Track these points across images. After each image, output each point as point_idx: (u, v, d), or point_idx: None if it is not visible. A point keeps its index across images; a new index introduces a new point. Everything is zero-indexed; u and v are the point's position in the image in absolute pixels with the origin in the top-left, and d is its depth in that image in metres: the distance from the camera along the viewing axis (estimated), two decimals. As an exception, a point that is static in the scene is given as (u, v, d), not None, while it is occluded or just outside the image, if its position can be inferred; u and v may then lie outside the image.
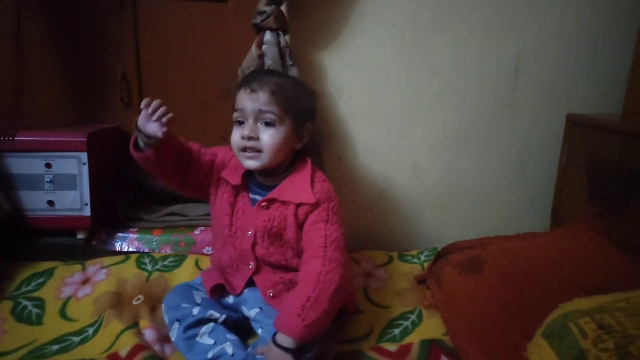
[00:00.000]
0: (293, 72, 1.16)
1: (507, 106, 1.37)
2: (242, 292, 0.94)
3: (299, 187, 0.92)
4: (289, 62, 1.16)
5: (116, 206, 1.28)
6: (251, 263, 0.92)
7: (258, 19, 1.13)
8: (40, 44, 1.34)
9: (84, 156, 1.14)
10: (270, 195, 0.91)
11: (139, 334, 0.91)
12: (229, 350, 0.82)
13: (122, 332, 0.90)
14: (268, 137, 0.88)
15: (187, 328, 0.87)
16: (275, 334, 0.79)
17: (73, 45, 1.35)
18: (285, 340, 0.78)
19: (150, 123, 0.83)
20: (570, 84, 1.36)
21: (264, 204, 0.91)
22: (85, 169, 1.15)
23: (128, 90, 1.38)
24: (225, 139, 0.99)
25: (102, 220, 1.23)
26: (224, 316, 0.91)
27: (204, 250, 1.23)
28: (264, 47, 1.13)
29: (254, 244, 0.92)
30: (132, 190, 1.35)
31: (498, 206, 1.44)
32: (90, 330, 0.92)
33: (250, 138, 0.88)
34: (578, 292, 0.84)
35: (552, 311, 0.77)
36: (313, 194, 0.91)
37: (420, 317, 1.02)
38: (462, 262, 1.11)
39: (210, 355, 0.83)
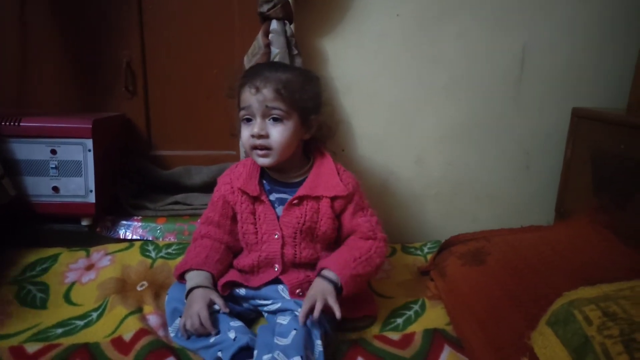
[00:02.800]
0: (298, 61, 1.16)
1: (513, 99, 1.37)
2: (260, 287, 0.93)
3: (327, 180, 0.94)
4: (295, 52, 1.16)
5: (120, 194, 1.28)
6: (277, 265, 0.93)
7: (264, 8, 1.13)
8: (45, 33, 1.34)
9: (89, 143, 1.14)
10: (301, 192, 0.93)
11: (143, 319, 0.91)
12: (231, 335, 0.81)
13: (126, 316, 0.91)
14: (277, 134, 0.89)
15: None
16: (321, 270, 0.87)
17: (78, 34, 1.35)
18: (330, 275, 0.86)
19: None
20: (576, 78, 1.35)
21: (295, 201, 0.92)
22: (90, 156, 1.15)
23: (133, 79, 1.38)
24: (236, 137, 1.00)
25: (107, 208, 1.24)
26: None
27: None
28: (270, 36, 1.13)
29: (282, 245, 0.92)
30: (136, 178, 1.35)
31: (502, 200, 1.44)
32: (94, 315, 0.92)
33: (260, 136, 0.88)
34: (582, 283, 0.84)
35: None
36: (344, 185, 0.93)
37: (423, 307, 1.02)
38: (466, 253, 1.11)
39: (211, 340, 0.83)
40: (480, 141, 1.40)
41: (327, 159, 0.98)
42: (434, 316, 0.99)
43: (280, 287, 0.93)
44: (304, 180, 0.95)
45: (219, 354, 0.80)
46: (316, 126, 0.96)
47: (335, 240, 0.99)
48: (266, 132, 0.88)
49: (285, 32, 1.14)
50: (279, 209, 0.94)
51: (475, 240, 1.15)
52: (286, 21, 1.15)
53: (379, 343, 0.89)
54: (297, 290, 0.91)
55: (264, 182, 0.97)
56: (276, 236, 0.93)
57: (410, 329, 0.94)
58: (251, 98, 0.88)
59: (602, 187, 1.19)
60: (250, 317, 0.95)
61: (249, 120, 0.90)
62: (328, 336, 0.85)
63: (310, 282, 0.91)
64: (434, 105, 1.37)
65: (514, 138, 1.40)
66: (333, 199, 0.93)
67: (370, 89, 1.34)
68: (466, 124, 1.38)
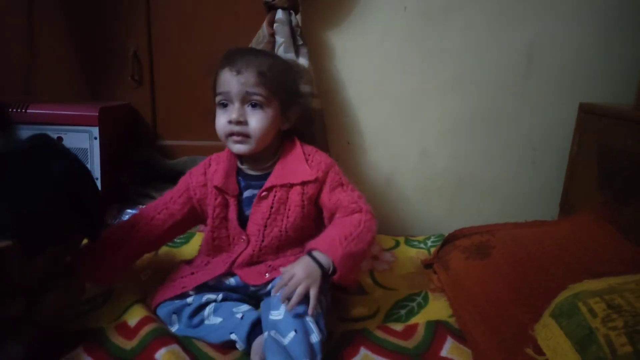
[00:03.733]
0: (303, 52, 1.16)
1: (519, 94, 1.37)
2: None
3: (295, 166, 0.90)
4: (300, 42, 1.16)
5: (126, 182, 1.29)
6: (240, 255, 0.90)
7: (271, -3, 1.13)
8: (51, 22, 1.35)
9: (95, 131, 1.15)
10: (269, 182, 0.89)
11: (148, 307, 0.91)
12: (238, 315, 0.82)
13: (131, 305, 0.91)
14: (256, 121, 0.85)
15: (190, 317, 0.85)
16: (309, 251, 0.81)
17: (85, 23, 1.36)
18: (320, 256, 0.80)
19: None
20: (583, 73, 1.35)
21: (264, 193, 0.88)
22: (96, 144, 1.15)
23: (139, 68, 1.39)
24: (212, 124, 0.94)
25: (112, 196, 1.24)
26: (220, 295, 0.88)
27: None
28: (275, 25, 1.13)
29: (247, 244, 0.90)
30: (142, 167, 1.35)
31: (506, 195, 1.44)
32: (100, 300, 0.93)
33: (238, 122, 0.84)
34: (586, 278, 0.84)
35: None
36: (311, 169, 0.90)
37: (426, 299, 1.02)
38: (470, 247, 1.11)
39: (217, 323, 0.83)
40: (486, 135, 1.40)
41: (295, 145, 0.93)
42: (437, 308, 0.99)
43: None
44: (271, 171, 0.91)
45: (232, 336, 0.80)
46: (295, 117, 0.93)
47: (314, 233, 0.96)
48: (245, 118, 0.84)
49: (290, 22, 1.14)
50: (249, 208, 0.90)
51: (480, 234, 1.15)
52: (292, 11, 1.15)
53: (382, 334, 0.89)
54: (266, 274, 0.88)
55: (239, 178, 0.93)
56: (243, 239, 0.90)
57: (413, 320, 0.94)
58: (231, 81, 0.83)
59: (608, 182, 1.18)
60: (251, 303, 0.92)
61: (224, 105, 0.86)
62: (327, 298, 0.85)
63: (271, 268, 0.89)
64: (440, 99, 1.36)
65: (520, 133, 1.40)
66: (303, 184, 0.89)
67: (375, 82, 1.34)
68: (472, 118, 1.38)
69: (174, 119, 1.42)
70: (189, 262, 0.97)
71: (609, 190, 1.17)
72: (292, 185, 0.89)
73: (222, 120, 0.86)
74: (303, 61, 1.20)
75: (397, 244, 1.28)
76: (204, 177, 0.93)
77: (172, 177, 1.34)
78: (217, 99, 0.87)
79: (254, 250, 0.89)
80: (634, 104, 1.19)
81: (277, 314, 0.77)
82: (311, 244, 0.83)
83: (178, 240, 1.16)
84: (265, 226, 0.89)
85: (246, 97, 0.84)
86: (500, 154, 1.41)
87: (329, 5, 1.27)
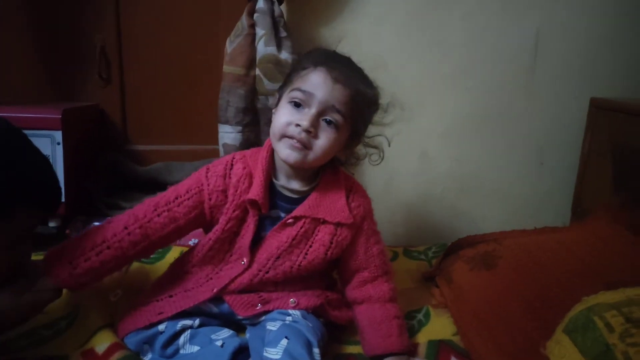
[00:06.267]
0: (287, 44, 1.15)
1: (525, 89, 1.37)
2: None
3: (334, 201, 0.87)
4: (283, 34, 1.16)
5: (93, 192, 1.27)
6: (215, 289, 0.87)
7: (250, -15, 1.13)
8: (12, 14, 1.33)
9: (58, 135, 1.13)
10: (300, 210, 0.85)
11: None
12: (218, 343, 0.80)
13: (99, 329, 0.89)
14: (326, 139, 0.81)
15: (163, 347, 0.82)
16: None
17: (48, 16, 1.34)
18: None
19: None
20: (594, 65, 1.36)
21: (290, 220, 0.85)
22: (59, 149, 1.14)
23: (107, 65, 1.37)
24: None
25: (77, 207, 1.23)
26: (197, 321, 0.85)
27: (189, 242, 1.22)
28: (255, 15, 1.13)
29: (244, 271, 0.86)
30: (111, 175, 1.34)
31: (514, 199, 1.44)
32: (63, 324, 0.91)
33: (307, 131, 0.79)
34: (602, 288, 0.84)
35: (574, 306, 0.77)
36: (351, 212, 0.87)
37: (427, 316, 1.02)
38: (475, 257, 1.11)
39: (194, 352, 0.81)
40: (489, 134, 1.40)
41: (338, 174, 0.90)
42: (439, 326, 0.98)
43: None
44: (306, 196, 0.88)
45: None
46: (352, 152, 0.91)
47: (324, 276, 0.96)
48: (315, 131, 0.80)
49: (273, 11, 1.14)
50: (268, 228, 0.87)
51: (485, 242, 1.15)
52: (274, 0, 1.14)
53: (379, 356, 0.89)
54: (257, 306, 0.86)
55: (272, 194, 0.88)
56: (243, 262, 0.86)
57: (414, 340, 0.94)
58: (323, 85, 0.79)
59: (623, 183, 1.19)
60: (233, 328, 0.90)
61: (298, 105, 0.81)
62: (324, 342, 0.84)
63: (263, 300, 0.87)
64: (439, 96, 1.37)
65: (526, 131, 1.40)
66: (337, 226, 0.86)
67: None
68: (474, 116, 1.38)
69: (146, 121, 1.41)
70: (161, 280, 0.93)
71: (624, 192, 1.18)
72: (324, 222, 0.86)
73: (286, 118, 0.81)
74: (286, 55, 1.18)
75: (396, 255, 1.28)
76: (223, 180, 0.86)
77: (144, 185, 1.33)
78: (292, 94, 0.81)
79: (252, 280, 0.86)
80: (649, 97, 1.20)
81: (275, 353, 0.75)
82: (369, 349, 0.87)
83: (152, 256, 1.14)
84: (278, 257, 0.85)
85: (328, 110, 0.80)
86: (506, 155, 1.41)
87: (317, -4, 1.27)
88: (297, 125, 0.79)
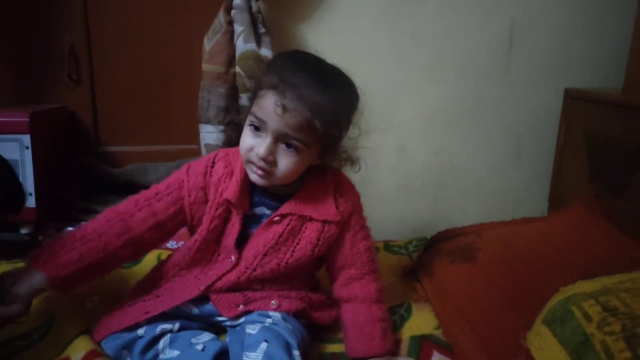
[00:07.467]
0: (266, 41, 1.15)
1: (501, 81, 1.39)
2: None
3: (321, 198, 0.87)
4: (262, 30, 1.15)
5: (65, 197, 1.25)
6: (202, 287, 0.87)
7: (225, -20, 1.11)
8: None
9: (26, 139, 1.11)
10: (286, 208, 0.85)
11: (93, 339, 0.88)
12: (199, 347, 0.79)
13: (74, 337, 0.88)
14: (286, 164, 0.79)
15: (142, 352, 0.81)
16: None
17: (14, 15, 1.31)
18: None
19: None
20: (568, 56, 1.38)
21: (276, 218, 0.85)
22: (28, 154, 1.12)
23: (77, 66, 1.35)
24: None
25: (49, 213, 1.21)
26: (177, 324, 0.84)
27: (167, 245, 1.21)
28: (233, 12, 1.12)
29: (232, 268, 0.86)
30: (83, 179, 1.32)
31: (492, 190, 1.46)
32: (37, 334, 0.89)
33: (264, 160, 0.78)
34: (581, 278, 0.85)
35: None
36: (337, 209, 0.87)
37: (409, 311, 1.02)
38: (455, 250, 1.12)
39: (174, 356, 0.81)
40: (467, 126, 1.41)
41: (325, 170, 0.89)
42: (421, 320, 0.99)
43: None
44: (293, 193, 0.87)
45: None
46: (334, 156, 0.87)
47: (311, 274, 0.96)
48: (274, 158, 0.78)
49: (250, 8, 1.13)
50: (254, 226, 0.87)
51: (465, 235, 1.16)
52: (252, -4, 1.13)
53: (362, 353, 0.89)
54: (239, 307, 0.87)
55: (253, 192, 0.87)
56: (231, 260, 0.86)
57: (397, 336, 0.94)
58: (272, 114, 0.75)
59: (598, 173, 1.21)
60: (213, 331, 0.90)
61: (256, 129, 0.79)
62: (305, 344, 0.84)
63: (247, 299, 0.87)
64: (415, 88, 1.37)
65: (503, 122, 1.42)
66: (324, 223, 0.86)
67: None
68: (451, 108, 1.39)
69: (119, 122, 1.39)
70: (146, 283, 0.93)
71: (600, 181, 1.20)
72: (311, 219, 0.86)
73: (248, 143, 0.80)
74: (265, 52, 1.18)
75: (377, 250, 1.28)
76: (204, 178, 0.86)
77: (118, 188, 1.31)
78: (250, 118, 0.80)
79: (239, 277, 0.86)
80: (622, 88, 1.22)
81: (254, 357, 0.74)
82: (359, 349, 0.85)
83: (129, 260, 1.12)
84: (265, 255, 0.85)
85: (283, 137, 0.77)
86: (484, 146, 1.43)
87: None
88: (256, 154, 0.78)
